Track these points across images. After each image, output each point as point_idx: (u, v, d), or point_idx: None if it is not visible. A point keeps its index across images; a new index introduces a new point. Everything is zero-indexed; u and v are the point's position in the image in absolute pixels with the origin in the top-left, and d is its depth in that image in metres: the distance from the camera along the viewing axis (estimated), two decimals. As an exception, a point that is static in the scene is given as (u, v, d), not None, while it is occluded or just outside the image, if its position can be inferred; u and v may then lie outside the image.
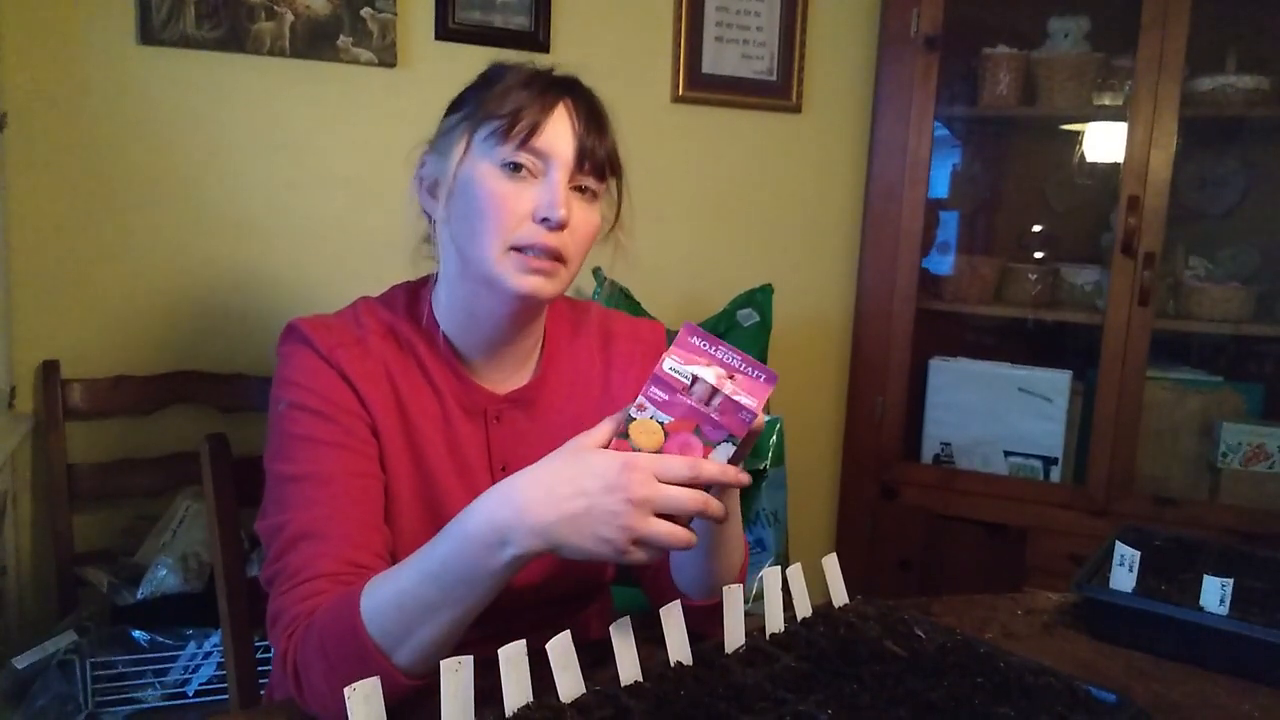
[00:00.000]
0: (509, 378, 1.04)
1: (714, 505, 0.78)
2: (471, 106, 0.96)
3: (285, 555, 0.88)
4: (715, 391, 0.79)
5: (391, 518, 0.95)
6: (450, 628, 0.79)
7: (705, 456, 0.78)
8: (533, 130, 0.92)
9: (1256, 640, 0.96)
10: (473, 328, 1.00)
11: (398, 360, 0.99)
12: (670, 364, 0.80)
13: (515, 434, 1.02)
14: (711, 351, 0.81)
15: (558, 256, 0.94)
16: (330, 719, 0.81)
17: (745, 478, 0.80)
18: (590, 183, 0.96)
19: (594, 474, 0.76)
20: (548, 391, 1.05)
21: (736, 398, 0.79)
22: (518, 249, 0.93)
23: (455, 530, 0.79)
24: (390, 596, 0.79)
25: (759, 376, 0.81)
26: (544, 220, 0.92)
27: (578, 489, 0.76)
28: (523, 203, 0.92)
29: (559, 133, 0.93)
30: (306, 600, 0.85)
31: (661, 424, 0.79)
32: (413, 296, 1.04)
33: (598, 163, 0.96)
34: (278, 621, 0.86)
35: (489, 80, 0.98)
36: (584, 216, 0.96)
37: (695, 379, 0.80)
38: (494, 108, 0.93)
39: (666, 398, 0.79)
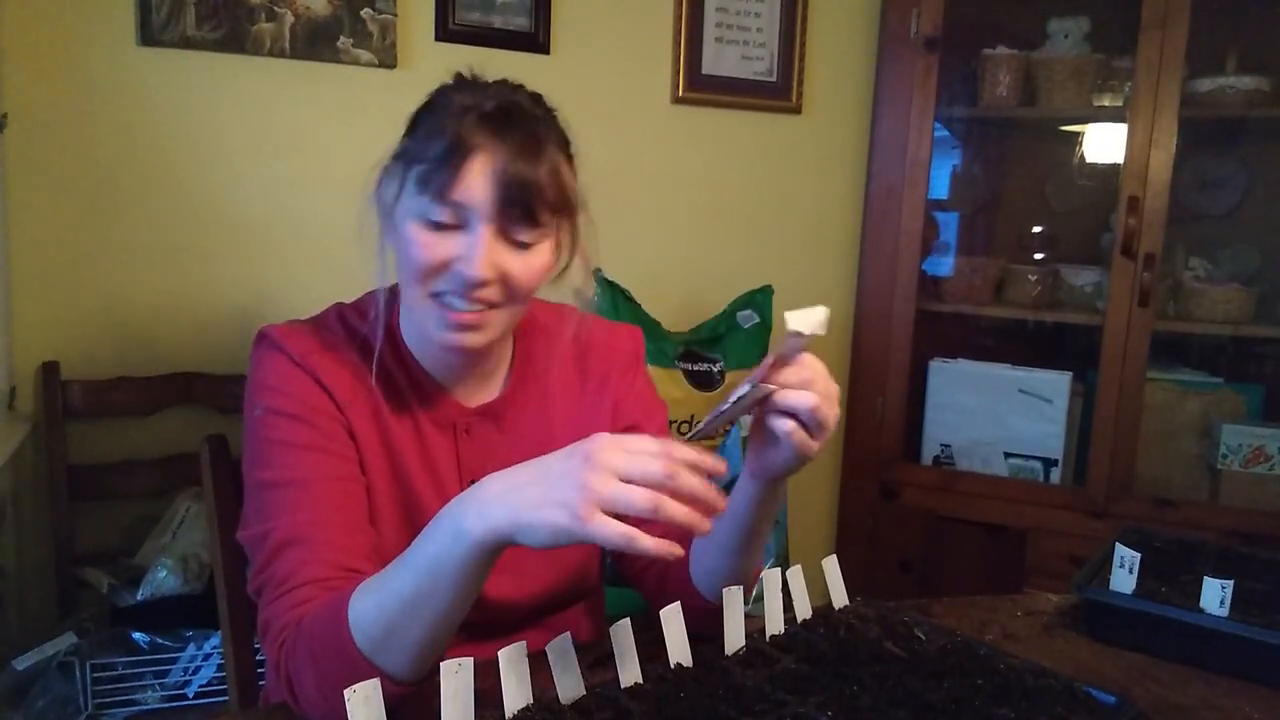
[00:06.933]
0: (478, 391, 1.02)
1: (683, 479, 0.72)
2: (409, 140, 0.91)
3: (271, 564, 0.87)
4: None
5: (372, 522, 0.94)
6: (429, 629, 0.77)
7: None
8: (448, 183, 0.85)
9: (1257, 642, 0.96)
10: (432, 352, 0.99)
11: (369, 367, 0.97)
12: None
13: (485, 447, 1.01)
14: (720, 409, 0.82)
15: (491, 303, 0.90)
16: None
17: (721, 466, 0.75)
18: (523, 235, 0.89)
19: (559, 452, 0.74)
20: (518, 404, 1.04)
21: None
22: (439, 296, 0.90)
23: (428, 526, 0.78)
24: (371, 600, 0.78)
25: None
26: (458, 275, 0.88)
27: (538, 462, 0.75)
28: (442, 252, 0.88)
29: (479, 185, 0.86)
30: (296, 608, 0.84)
31: None
32: (385, 306, 1.01)
33: (528, 210, 0.87)
34: (268, 631, 0.85)
35: (432, 107, 0.92)
36: (519, 266, 0.89)
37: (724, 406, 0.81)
38: (421, 150, 0.88)
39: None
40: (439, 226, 0.88)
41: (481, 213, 0.87)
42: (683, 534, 0.73)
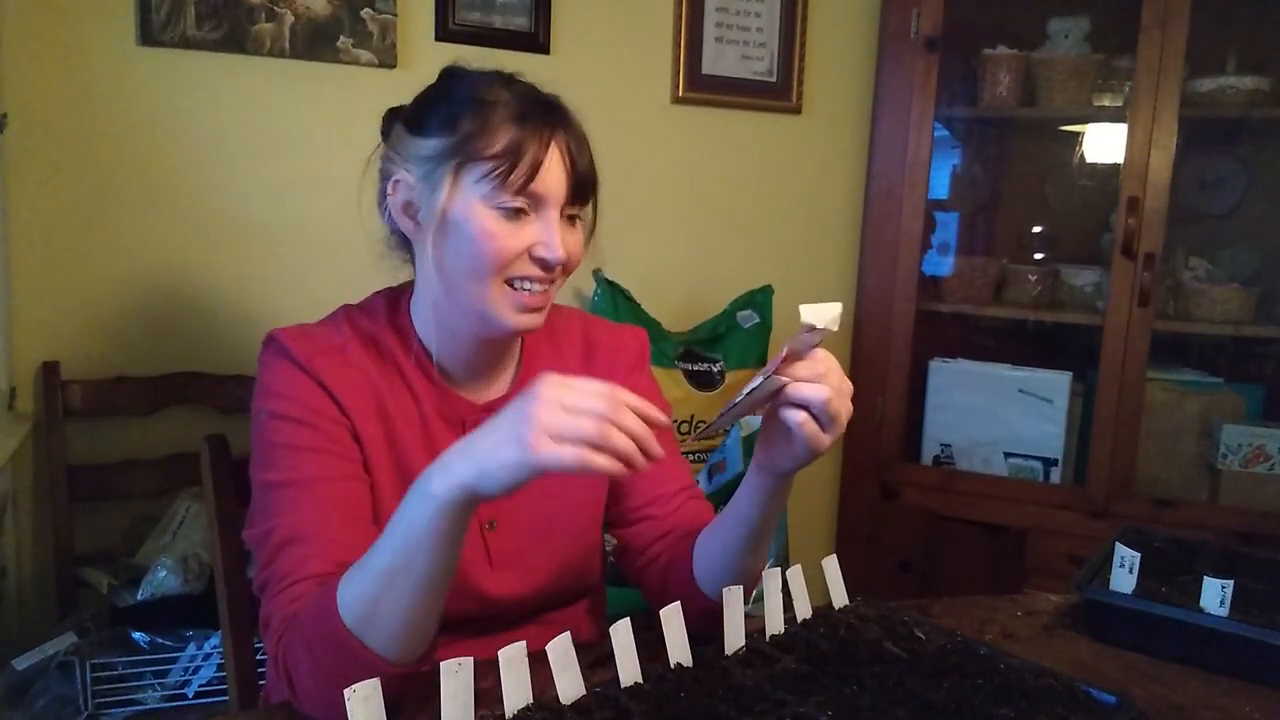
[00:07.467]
0: (487, 387, 1.04)
1: (626, 416, 0.74)
2: (451, 136, 0.93)
3: (274, 561, 0.88)
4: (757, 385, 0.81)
5: (376, 522, 0.95)
6: (412, 600, 0.78)
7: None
8: (531, 177, 0.91)
9: (1256, 641, 0.96)
10: (453, 346, 1.01)
11: (378, 368, 0.99)
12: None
13: None
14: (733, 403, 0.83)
15: (552, 281, 0.96)
16: (324, 718, 0.81)
17: (662, 417, 0.77)
18: (578, 211, 0.98)
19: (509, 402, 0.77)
20: None
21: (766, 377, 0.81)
22: (511, 283, 0.94)
23: (401, 501, 0.79)
24: (355, 580, 0.80)
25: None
26: (541, 260, 0.93)
27: (491, 417, 0.77)
28: (519, 241, 0.93)
29: (556, 176, 0.93)
30: (295, 603, 0.85)
31: None
32: (392, 305, 1.04)
33: (586, 192, 0.97)
34: (269, 626, 0.86)
35: (470, 105, 0.94)
36: (575, 241, 0.97)
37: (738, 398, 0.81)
38: (484, 147, 0.91)
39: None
40: (514, 215, 0.92)
41: (555, 200, 0.93)
42: None
